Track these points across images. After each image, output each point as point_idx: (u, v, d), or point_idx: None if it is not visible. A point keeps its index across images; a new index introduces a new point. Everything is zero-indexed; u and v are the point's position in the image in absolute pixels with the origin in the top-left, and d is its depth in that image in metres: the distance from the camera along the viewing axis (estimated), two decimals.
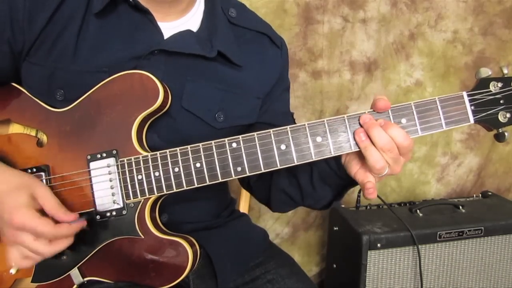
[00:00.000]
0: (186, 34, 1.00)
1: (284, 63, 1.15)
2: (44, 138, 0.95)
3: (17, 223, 0.82)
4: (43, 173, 0.93)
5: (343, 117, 0.86)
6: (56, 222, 0.86)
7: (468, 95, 0.85)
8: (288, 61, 1.18)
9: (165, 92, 0.93)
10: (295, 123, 0.90)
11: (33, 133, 0.95)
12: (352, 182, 0.94)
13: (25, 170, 0.93)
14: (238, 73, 1.05)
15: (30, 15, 0.92)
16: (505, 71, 0.85)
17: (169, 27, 0.99)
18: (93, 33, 0.95)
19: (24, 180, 0.88)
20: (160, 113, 0.95)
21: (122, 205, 0.91)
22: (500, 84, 0.85)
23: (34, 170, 0.93)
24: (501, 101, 0.85)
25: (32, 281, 0.94)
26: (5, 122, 0.97)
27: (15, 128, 0.97)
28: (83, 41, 0.94)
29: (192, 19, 1.03)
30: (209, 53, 0.99)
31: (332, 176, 0.98)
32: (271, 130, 0.86)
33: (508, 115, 0.85)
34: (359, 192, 1.89)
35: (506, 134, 0.86)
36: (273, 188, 1.10)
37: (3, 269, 0.94)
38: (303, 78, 1.95)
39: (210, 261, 1.06)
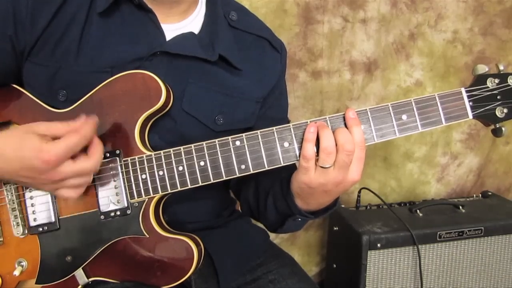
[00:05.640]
0: (188, 36, 1.00)
1: (283, 67, 1.16)
2: None
3: (51, 160, 0.79)
4: None
5: (342, 114, 0.87)
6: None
7: (467, 91, 0.88)
8: (286, 65, 1.18)
9: (168, 91, 0.93)
10: None
11: None
12: (294, 214, 0.96)
13: None
14: (238, 77, 1.05)
15: (33, 14, 0.92)
16: (501, 68, 0.88)
17: (171, 29, 1.00)
18: (96, 33, 0.95)
19: (19, 129, 0.87)
20: (163, 112, 0.95)
21: (126, 205, 0.91)
22: (497, 80, 0.88)
23: None
24: (498, 97, 0.88)
25: (36, 282, 0.93)
26: (5, 124, 0.96)
27: None
28: (86, 41, 0.94)
29: (193, 22, 1.04)
30: (211, 56, 1.00)
31: (281, 199, 0.99)
32: (274, 128, 0.88)
33: (505, 110, 0.88)
34: (359, 192, 1.89)
35: (503, 129, 0.89)
36: (241, 196, 1.14)
37: (6, 271, 0.94)
38: (303, 78, 1.95)
39: (211, 260, 1.07)
